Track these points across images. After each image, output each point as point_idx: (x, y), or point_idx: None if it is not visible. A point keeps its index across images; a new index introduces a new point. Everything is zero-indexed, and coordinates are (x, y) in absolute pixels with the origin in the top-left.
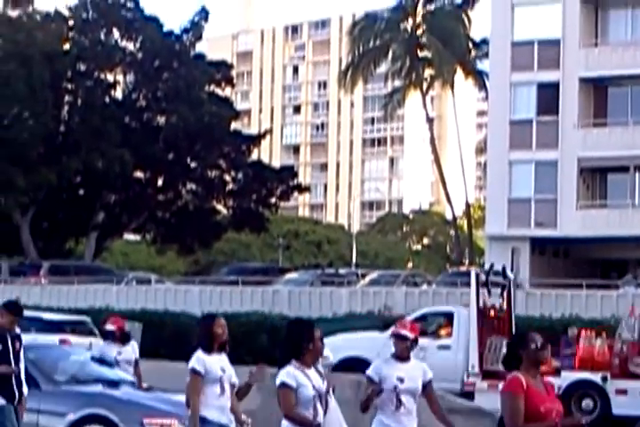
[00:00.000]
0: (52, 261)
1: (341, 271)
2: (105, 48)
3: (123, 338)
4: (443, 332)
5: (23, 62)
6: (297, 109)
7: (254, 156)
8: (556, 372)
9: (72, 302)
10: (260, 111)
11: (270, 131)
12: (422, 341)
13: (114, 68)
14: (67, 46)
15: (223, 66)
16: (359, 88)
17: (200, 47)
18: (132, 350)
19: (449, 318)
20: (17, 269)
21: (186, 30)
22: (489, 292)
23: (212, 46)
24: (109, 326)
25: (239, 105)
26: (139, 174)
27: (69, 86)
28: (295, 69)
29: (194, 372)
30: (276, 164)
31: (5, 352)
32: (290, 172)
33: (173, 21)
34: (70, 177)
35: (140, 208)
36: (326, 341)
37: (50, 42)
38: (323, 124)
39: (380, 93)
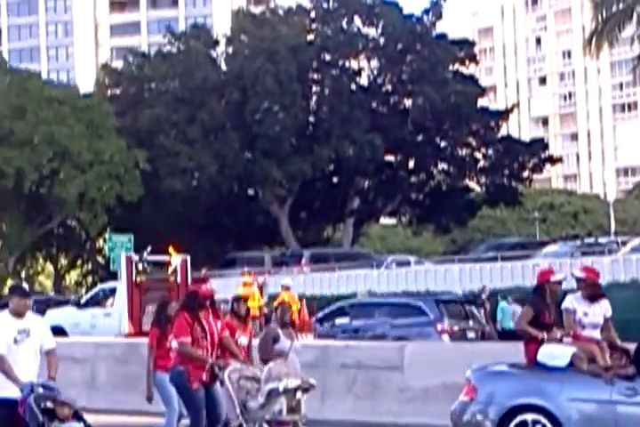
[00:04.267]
0: (312, 249)
1: (601, 240)
2: (347, 36)
3: None
4: (108, 302)
5: (270, 58)
6: (543, 81)
7: (503, 131)
8: None
9: (335, 289)
10: (506, 86)
11: (517, 104)
12: (93, 311)
13: (358, 55)
14: (310, 37)
15: (465, 44)
16: (605, 54)
17: (441, 27)
18: None
19: (114, 291)
20: (279, 259)
21: (426, 11)
22: (145, 269)
23: (452, 25)
24: None
25: (484, 81)
26: (390, 158)
27: (315, 77)
28: (538, 41)
29: None
30: (526, 137)
31: None
32: (540, 144)
33: (413, 4)
34: (323, 166)
35: (393, 191)
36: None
37: (294, 35)
38: (570, 94)
39: (627, 57)
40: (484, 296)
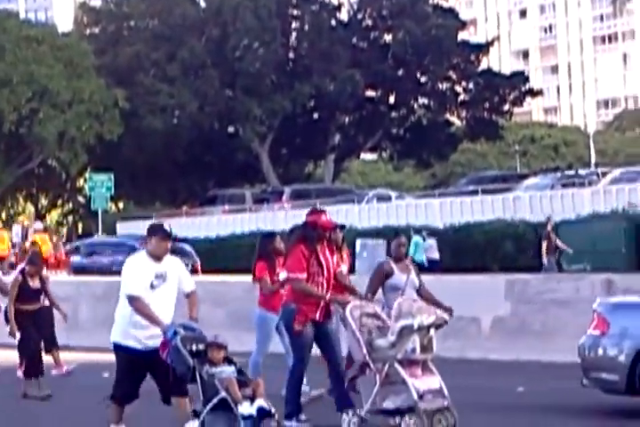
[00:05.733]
0: (293, 186)
1: (581, 172)
2: None
3: None
4: None
5: None
6: (523, 13)
7: (484, 64)
8: None
9: None
10: (486, 19)
11: (498, 38)
12: None
13: None
14: None
15: None
16: None
17: None
18: None
19: None
20: (260, 196)
21: None
22: None
23: None
24: None
25: (464, 15)
26: (370, 93)
27: (295, 12)
28: None
29: None
30: (507, 70)
31: None
32: (521, 77)
33: None
34: (304, 102)
35: (374, 127)
36: None
37: None
38: (550, 26)
39: None
40: (549, 228)
